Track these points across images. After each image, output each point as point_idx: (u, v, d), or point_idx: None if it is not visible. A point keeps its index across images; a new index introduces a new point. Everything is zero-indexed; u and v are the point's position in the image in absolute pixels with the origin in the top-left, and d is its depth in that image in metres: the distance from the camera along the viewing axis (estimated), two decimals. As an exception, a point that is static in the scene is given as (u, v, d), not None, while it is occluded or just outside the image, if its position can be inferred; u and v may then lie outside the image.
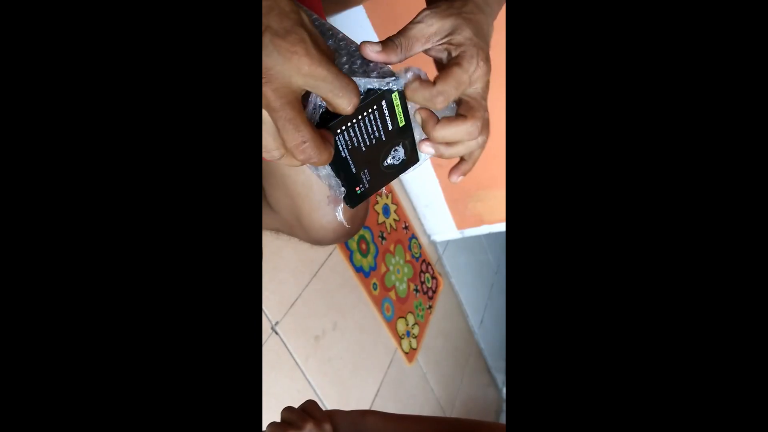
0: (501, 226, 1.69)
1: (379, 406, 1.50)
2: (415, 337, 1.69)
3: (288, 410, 0.57)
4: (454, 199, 1.69)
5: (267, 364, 1.17)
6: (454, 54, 0.36)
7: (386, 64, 0.36)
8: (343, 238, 0.58)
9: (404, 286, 1.67)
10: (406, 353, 1.63)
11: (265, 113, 0.29)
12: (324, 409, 0.57)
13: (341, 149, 0.36)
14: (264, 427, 0.57)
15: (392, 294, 1.61)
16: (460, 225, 1.76)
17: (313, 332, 1.31)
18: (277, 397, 1.17)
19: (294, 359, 1.24)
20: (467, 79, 0.35)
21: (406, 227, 1.73)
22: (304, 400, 0.58)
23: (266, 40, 0.27)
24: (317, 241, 0.57)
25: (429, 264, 1.82)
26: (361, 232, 1.52)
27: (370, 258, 1.54)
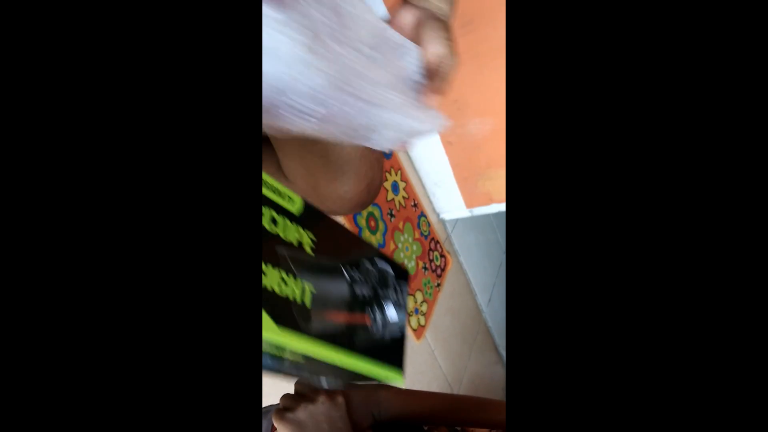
0: (510, 205, 1.67)
1: (387, 382, 1.51)
2: (424, 315, 1.70)
3: (301, 382, 0.57)
4: (463, 177, 1.67)
5: (277, 339, 1.18)
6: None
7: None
8: (358, 208, 0.58)
9: (413, 263, 1.67)
10: (415, 330, 1.64)
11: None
12: (336, 382, 0.57)
13: None
14: (278, 400, 0.58)
15: (401, 272, 1.61)
16: (470, 203, 1.75)
17: (323, 308, 1.32)
18: (287, 371, 1.19)
19: (304, 335, 1.25)
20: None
21: (415, 205, 1.72)
22: (316, 374, 0.58)
23: None
24: (333, 211, 0.57)
25: (438, 242, 1.82)
26: (370, 209, 1.52)
27: (378, 235, 1.54)
